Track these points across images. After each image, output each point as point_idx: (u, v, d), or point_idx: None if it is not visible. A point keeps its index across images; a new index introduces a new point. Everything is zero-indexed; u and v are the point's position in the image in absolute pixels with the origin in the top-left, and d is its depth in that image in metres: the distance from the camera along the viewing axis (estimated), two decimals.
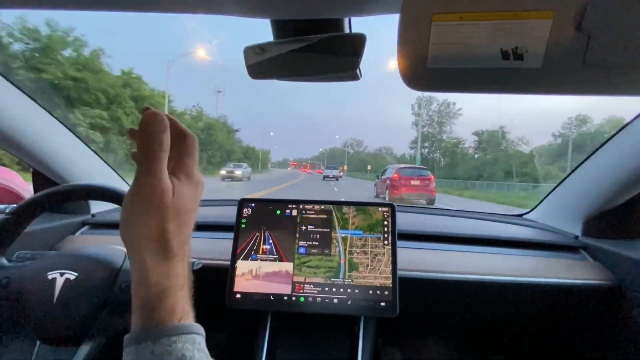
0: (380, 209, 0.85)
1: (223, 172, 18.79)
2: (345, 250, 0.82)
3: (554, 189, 1.11)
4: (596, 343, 0.93)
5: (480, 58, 0.32)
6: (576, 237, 0.99)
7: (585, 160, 0.96)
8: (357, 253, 0.81)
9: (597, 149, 0.92)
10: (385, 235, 0.82)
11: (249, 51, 0.61)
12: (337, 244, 0.83)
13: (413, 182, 9.54)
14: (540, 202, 1.19)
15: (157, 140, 0.33)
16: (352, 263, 0.81)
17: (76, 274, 0.59)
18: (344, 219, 0.84)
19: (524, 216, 1.23)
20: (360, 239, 0.82)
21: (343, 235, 0.83)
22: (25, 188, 1.03)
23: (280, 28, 0.59)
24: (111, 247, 0.68)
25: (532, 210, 1.23)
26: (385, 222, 0.83)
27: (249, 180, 19.58)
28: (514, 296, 0.90)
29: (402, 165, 10.80)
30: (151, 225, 0.34)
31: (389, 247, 0.81)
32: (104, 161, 1.15)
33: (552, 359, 1.09)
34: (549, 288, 0.86)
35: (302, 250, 0.83)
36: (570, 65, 0.31)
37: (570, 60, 0.30)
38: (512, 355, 1.18)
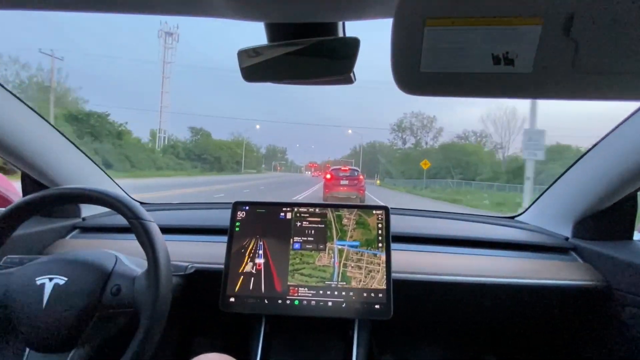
0: (374, 211, 0.85)
1: None
2: (340, 263, 0.81)
3: (545, 190, 1.13)
4: (586, 343, 0.94)
5: (472, 63, 0.32)
6: (567, 238, 1.01)
7: (576, 162, 0.97)
8: (352, 267, 0.81)
9: (587, 152, 0.93)
10: (380, 239, 0.82)
11: (243, 54, 0.61)
12: (332, 254, 0.82)
13: (343, 182, 10.66)
14: (531, 204, 1.21)
15: None
16: (345, 276, 0.80)
17: (66, 279, 0.58)
18: (342, 230, 0.84)
19: (516, 218, 1.25)
20: (357, 253, 0.82)
21: (340, 247, 0.83)
22: (13, 191, 1.01)
23: (274, 31, 0.59)
24: (102, 250, 0.67)
25: (524, 212, 1.24)
26: (380, 225, 0.84)
27: None
28: (506, 297, 0.90)
29: (335, 167, 12.22)
30: None
31: (384, 260, 0.81)
32: (94, 163, 1.13)
33: (543, 359, 1.10)
34: (540, 289, 0.87)
35: (297, 246, 0.83)
36: (560, 71, 0.31)
37: (559, 65, 0.31)
38: (504, 356, 1.19)
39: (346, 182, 10.71)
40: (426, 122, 53.61)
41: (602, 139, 0.89)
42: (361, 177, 11.34)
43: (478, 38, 0.31)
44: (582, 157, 0.96)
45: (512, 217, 1.27)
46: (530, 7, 0.29)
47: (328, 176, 11.24)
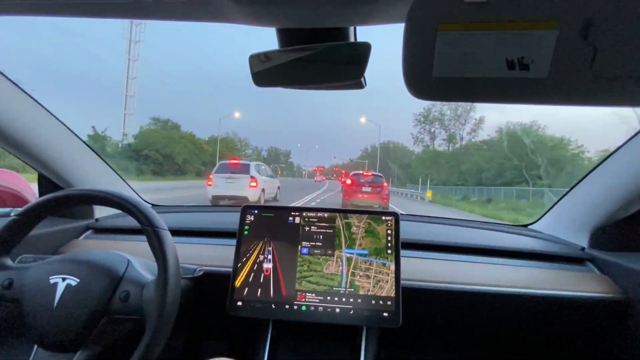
0: (384, 217, 0.84)
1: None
2: (348, 271, 0.80)
3: (560, 199, 1.10)
4: (601, 357, 0.91)
5: (486, 68, 0.32)
6: (583, 248, 0.98)
7: (594, 170, 0.95)
8: (360, 276, 0.80)
9: (605, 159, 0.91)
10: (389, 245, 0.81)
11: (254, 59, 0.62)
12: (340, 263, 0.81)
13: (365, 189, 9.78)
14: (546, 213, 1.18)
15: None
16: (354, 285, 0.79)
17: (78, 280, 0.59)
18: (351, 238, 0.83)
19: (529, 226, 1.22)
20: (365, 262, 0.81)
21: (348, 255, 0.82)
22: (30, 192, 1.04)
23: (286, 36, 0.59)
24: (115, 253, 0.68)
25: (537, 220, 1.21)
26: (389, 232, 0.83)
27: None
28: (518, 308, 0.88)
29: (356, 172, 11.29)
30: None
31: (393, 270, 0.79)
32: (109, 166, 1.15)
33: None
34: (554, 300, 0.84)
35: (305, 250, 0.83)
36: (577, 76, 0.30)
37: (577, 70, 0.30)
38: None
39: (368, 189, 9.82)
40: (461, 112, 42.75)
41: (621, 146, 0.86)
42: (385, 184, 10.42)
43: (492, 43, 0.30)
44: (599, 164, 0.93)
45: (525, 226, 1.24)
46: (547, 11, 0.28)
47: (348, 182, 10.36)
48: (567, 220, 1.07)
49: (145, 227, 0.61)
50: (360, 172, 11.28)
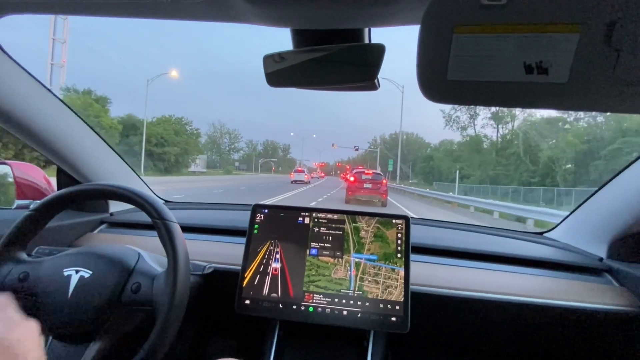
0: (394, 221, 0.83)
1: None
2: (357, 276, 0.80)
3: (577, 207, 1.07)
4: None
5: (503, 71, 0.31)
6: (600, 259, 0.95)
7: (614, 177, 0.92)
8: (368, 281, 0.79)
9: (627, 166, 0.88)
10: (399, 249, 0.81)
11: (269, 59, 0.62)
12: (349, 267, 0.81)
13: (366, 186, 10.93)
14: (562, 221, 1.15)
15: None
16: (362, 290, 0.78)
17: (90, 272, 0.60)
18: (359, 242, 0.82)
19: (545, 234, 1.19)
20: (374, 267, 0.80)
21: (357, 259, 0.81)
22: (49, 185, 1.07)
23: (300, 37, 0.59)
24: (126, 247, 0.69)
25: (553, 228, 1.18)
26: (399, 235, 0.82)
27: None
28: (531, 318, 0.86)
29: (358, 170, 12.48)
30: None
31: (402, 276, 0.78)
32: (124, 161, 1.18)
33: None
34: (570, 311, 0.82)
35: (314, 251, 0.83)
36: (598, 81, 0.29)
37: (598, 75, 0.29)
38: None
39: (369, 185, 10.90)
40: None
41: None
42: (384, 181, 11.53)
43: (509, 46, 0.30)
44: (619, 173, 0.90)
45: (541, 233, 1.21)
46: (568, 13, 0.27)
47: (351, 179, 11.44)
48: (585, 229, 1.04)
49: (155, 220, 0.62)
50: (362, 170, 12.46)
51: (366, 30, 0.58)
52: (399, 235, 0.82)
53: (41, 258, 0.65)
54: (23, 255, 0.64)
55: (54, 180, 1.08)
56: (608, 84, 0.29)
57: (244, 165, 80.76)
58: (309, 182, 27.47)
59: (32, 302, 0.59)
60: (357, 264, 0.81)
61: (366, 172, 11.71)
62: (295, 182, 24.84)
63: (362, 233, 0.83)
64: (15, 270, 0.60)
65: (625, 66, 0.28)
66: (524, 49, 0.29)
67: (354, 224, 0.84)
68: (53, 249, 0.73)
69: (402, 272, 0.78)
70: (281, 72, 0.63)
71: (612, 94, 0.30)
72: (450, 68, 0.32)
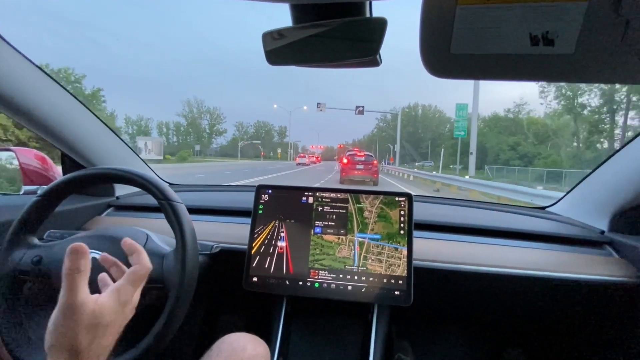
0: (397, 198, 0.84)
1: None
2: (360, 255, 0.81)
3: (580, 181, 1.07)
4: (618, 340, 0.91)
5: (507, 44, 0.30)
6: (602, 232, 0.96)
7: (615, 153, 0.91)
8: (372, 260, 0.80)
9: (629, 141, 0.87)
10: (402, 226, 0.82)
11: (268, 37, 0.61)
12: (352, 247, 0.82)
13: (358, 167, 11.81)
14: (564, 195, 1.15)
15: (74, 266, 0.41)
16: (367, 269, 0.80)
17: (101, 253, 0.62)
18: (363, 222, 0.84)
19: (547, 209, 1.20)
20: (377, 246, 0.81)
21: (360, 239, 0.83)
22: (54, 170, 1.08)
23: (300, 12, 0.58)
24: (134, 228, 0.70)
25: (555, 203, 1.19)
26: (402, 213, 0.83)
27: None
28: (534, 290, 0.88)
29: (351, 152, 13.24)
30: (64, 335, 0.39)
31: (405, 255, 0.80)
32: (129, 147, 1.18)
33: (569, 355, 1.07)
34: (572, 283, 0.83)
35: (318, 230, 0.84)
36: (606, 51, 0.29)
37: (605, 45, 0.28)
38: (528, 349, 1.16)
39: (362, 166, 11.80)
40: None
41: None
42: (375, 162, 12.44)
43: (515, 17, 0.29)
44: (621, 148, 0.90)
45: (543, 208, 1.21)
46: None
47: (345, 160, 12.26)
48: (586, 204, 1.04)
49: (161, 201, 0.63)
50: (354, 152, 13.30)
51: (367, 4, 0.56)
52: (402, 212, 0.83)
53: (53, 242, 0.67)
54: (34, 240, 0.65)
55: (59, 168, 1.09)
56: (616, 54, 0.29)
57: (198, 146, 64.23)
58: (309, 165, 29.73)
59: (47, 283, 0.61)
60: (361, 244, 0.82)
61: (358, 154, 12.63)
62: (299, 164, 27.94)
63: (366, 213, 0.84)
64: (29, 254, 0.62)
65: (635, 36, 0.27)
66: (529, 20, 0.29)
67: (357, 205, 0.85)
68: (64, 232, 0.75)
69: (404, 251, 0.80)
70: (281, 50, 0.61)
71: (621, 65, 0.30)
72: (453, 41, 0.31)
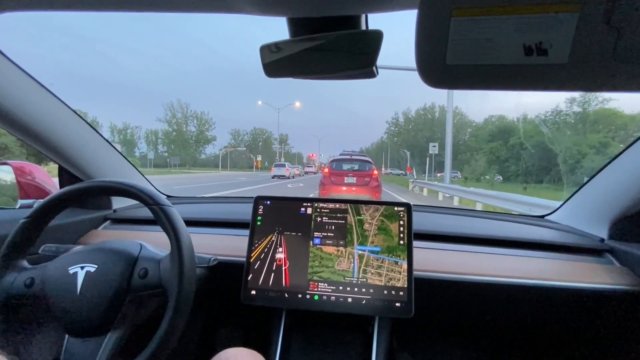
0: (396, 208, 0.84)
1: None
2: (360, 268, 0.80)
3: (579, 189, 1.07)
4: (620, 351, 0.89)
5: (502, 54, 0.31)
6: (602, 240, 0.95)
7: (615, 159, 0.92)
8: (371, 273, 0.80)
9: (627, 147, 0.88)
10: (402, 236, 0.81)
11: (265, 49, 0.61)
12: (352, 259, 0.81)
13: (347, 180, 7.04)
14: (563, 203, 1.15)
15: None
16: (367, 281, 0.79)
17: (96, 266, 0.61)
18: (363, 235, 0.83)
19: (546, 217, 1.19)
20: (377, 260, 0.81)
21: (360, 252, 0.82)
22: (51, 183, 1.08)
23: (297, 26, 0.59)
24: (127, 240, 0.70)
25: (554, 211, 1.19)
26: (401, 222, 0.82)
27: None
28: (535, 300, 0.87)
29: (336, 157, 8.01)
30: None
31: (405, 269, 0.79)
32: (126, 159, 1.18)
33: None
34: (573, 292, 0.83)
35: (317, 241, 0.83)
36: (599, 61, 0.29)
37: (598, 55, 0.29)
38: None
39: (352, 179, 7.02)
40: None
41: None
42: (374, 171, 7.23)
43: (509, 28, 0.29)
44: (620, 154, 0.90)
45: (542, 217, 1.21)
46: None
47: (326, 170, 7.55)
48: (586, 211, 1.04)
49: (152, 207, 0.63)
50: (342, 157, 7.79)
51: (363, 16, 0.57)
52: (401, 223, 0.82)
53: (46, 260, 0.66)
54: (24, 263, 0.64)
55: (56, 180, 1.09)
56: (609, 63, 0.29)
57: (177, 159, 52.68)
58: (293, 177, 24.64)
59: (43, 304, 0.60)
60: (361, 256, 0.81)
61: (347, 158, 7.64)
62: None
63: (366, 225, 0.83)
64: (20, 277, 0.61)
65: (626, 45, 0.28)
66: (523, 30, 0.29)
67: (358, 217, 0.84)
68: (59, 246, 0.74)
69: (404, 265, 0.79)
70: (278, 63, 0.62)
71: (613, 74, 0.30)
72: (449, 52, 0.32)
